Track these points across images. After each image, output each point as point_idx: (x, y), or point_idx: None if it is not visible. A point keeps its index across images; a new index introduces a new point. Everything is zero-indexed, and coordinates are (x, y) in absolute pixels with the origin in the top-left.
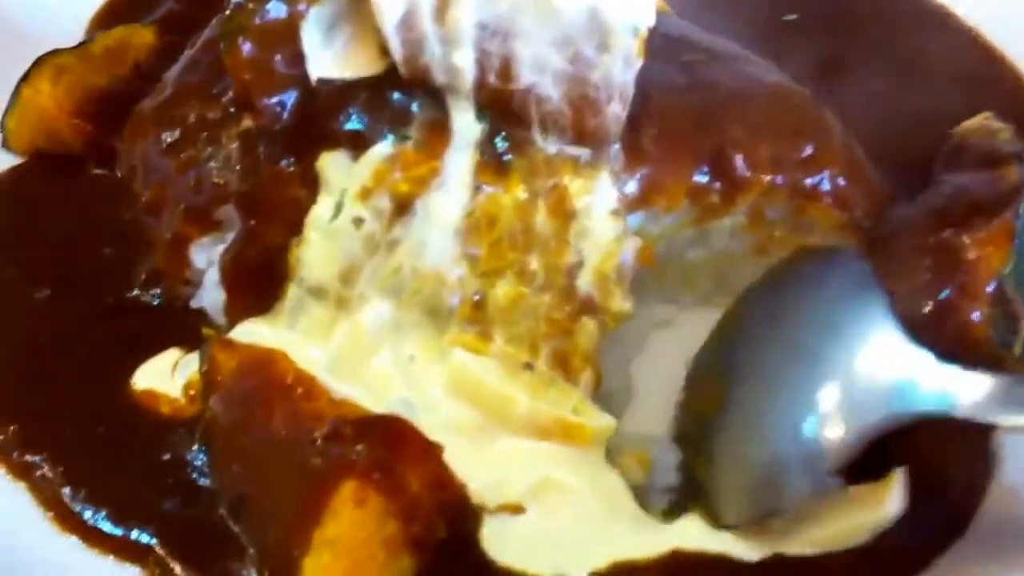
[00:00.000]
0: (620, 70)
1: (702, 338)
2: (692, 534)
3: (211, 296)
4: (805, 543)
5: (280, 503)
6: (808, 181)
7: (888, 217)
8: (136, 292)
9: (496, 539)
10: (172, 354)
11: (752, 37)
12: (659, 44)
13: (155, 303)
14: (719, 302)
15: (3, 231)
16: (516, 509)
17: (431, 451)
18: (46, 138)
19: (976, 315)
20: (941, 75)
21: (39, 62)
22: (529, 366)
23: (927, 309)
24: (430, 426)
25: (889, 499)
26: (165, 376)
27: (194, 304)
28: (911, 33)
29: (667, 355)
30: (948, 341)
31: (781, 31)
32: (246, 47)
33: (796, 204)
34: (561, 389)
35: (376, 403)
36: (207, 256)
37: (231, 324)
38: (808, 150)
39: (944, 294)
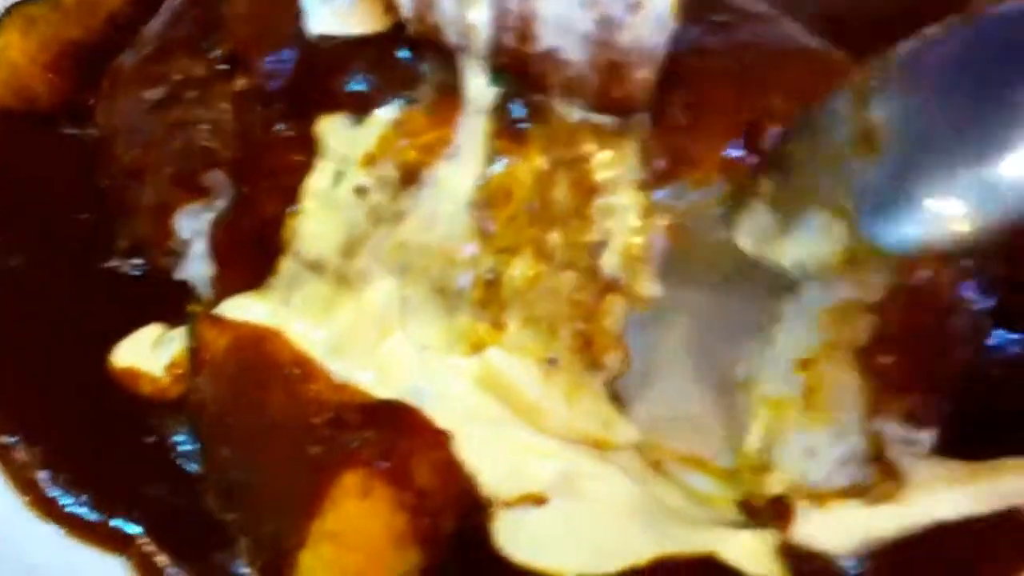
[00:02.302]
0: (651, 32)
1: (719, 323)
2: (734, 543)
3: (197, 268)
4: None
5: (276, 492)
6: None
7: None
8: (116, 262)
9: (512, 534)
10: (154, 329)
11: None
12: (687, 2)
13: (136, 274)
14: (741, 284)
15: None
16: (538, 500)
17: (441, 440)
18: (15, 95)
19: None
20: None
21: (7, 12)
22: (553, 361)
23: None
24: (441, 415)
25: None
26: (146, 353)
27: (178, 276)
28: None
29: (688, 338)
30: None
31: None
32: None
33: None
34: (594, 397)
35: (383, 388)
36: (193, 225)
37: (218, 298)
38: None
39: None
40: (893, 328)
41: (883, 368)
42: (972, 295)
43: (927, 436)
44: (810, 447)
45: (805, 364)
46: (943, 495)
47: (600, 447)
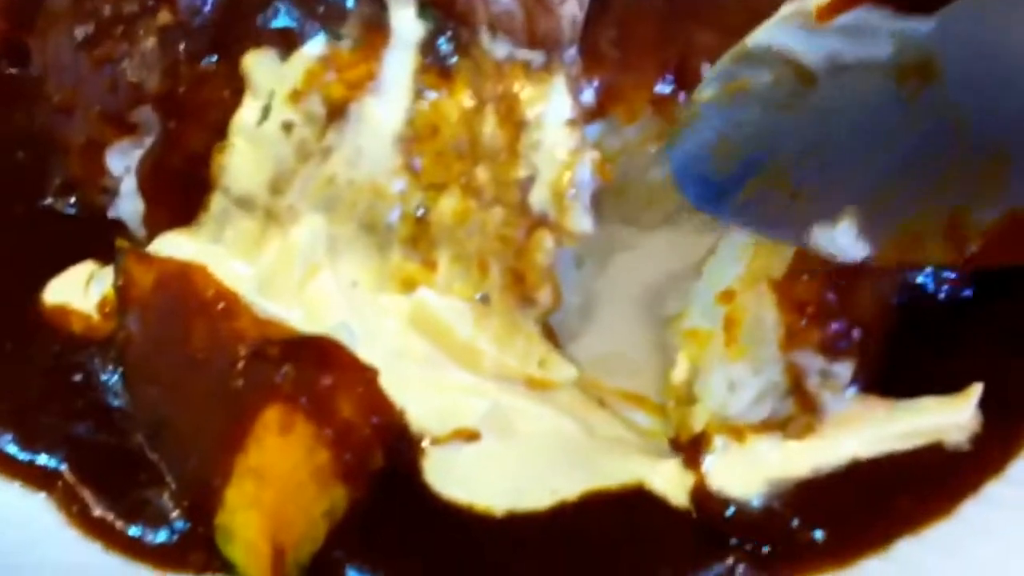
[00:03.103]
0: None
1: (665, 260)
2: (661, 471)
3: (128, 205)
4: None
5: (200, 429)
6: None
7: None
8: (49, 200)
9: (441, 471)
10: (86, 267)
11: None
12: None
13: (69, 212)
14: (683, 224)
15: None
16: (470, 436)
17: (365, 374)
18: None
19: None
20: None
21: None
22: (485, 299)
23: None
24: (370, 353)
25: (962, 409)
26: (78, 291)
27: (111, 214)
28: None
29: (628, 277)
30: None
31: None
32: None
33: None
34: (528, 337)
35: (311, 326)
36: (124, 162)
37: (151, 236)
38: None
39: None
40: (811, 260)
41: (799, 299)
42: None
43: (845, 369)
44: (731, 380)
45: (726, 296)
46: (862, 432)
47: (537, 387)
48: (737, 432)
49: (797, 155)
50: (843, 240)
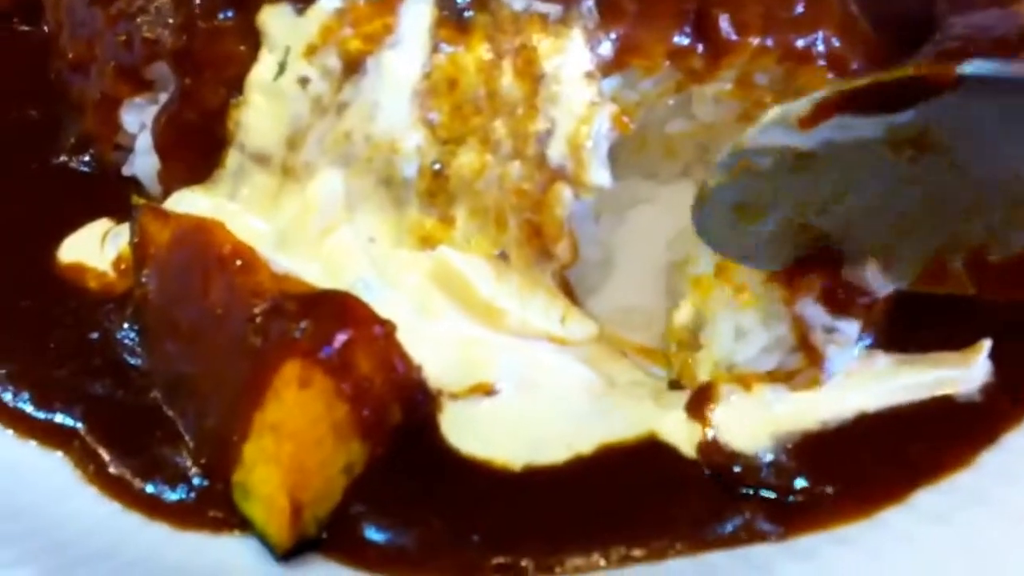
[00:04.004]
0: None
1: (683, 213)
2: (671, 420)
3: (144, 162)
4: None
5: (218, 385)
6: (800, 42)
7: None
8: (64, 158)
9: (459, 425)
10: (102, 225)
11: None
12: None
13: (84, 170)
14: (701, 176)
15: None
16: (488, 391)
17: (384, 329)
18: None
19: None
20: None
21: None
22: (504, 256)
23: None
24: (388, 308)
25: (973, 363)
26: (94, 248)
27: (126, 171)
28: None
29: (646, 230)
30: None
31: None
32: None
33: (787, 67)
34: (548, 293)
35: (329, 282)
36: (140, 119)
37: (166, 193)
38: (800, 7)
39: None
40: None
41: None
42: None
43: (851, 326)
44: (739, 327)
45: None
46: (869, 385)
47: (557, 342)
48: (744, 381)
49: (815, 206)
50: (871, 277)
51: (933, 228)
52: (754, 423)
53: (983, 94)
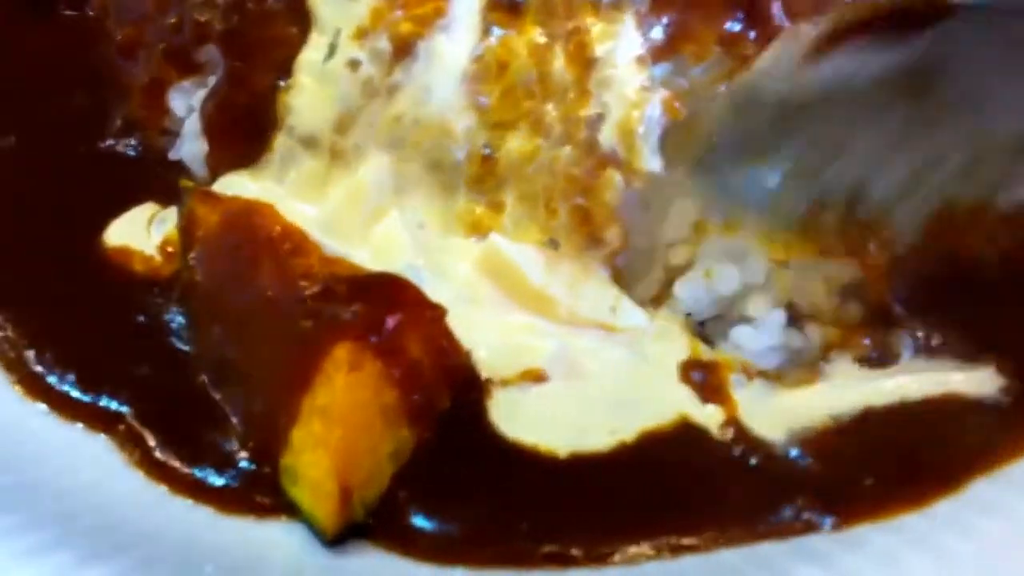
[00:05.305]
0: None
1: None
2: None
3: (191, 146)
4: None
5: (267, 369)
6: None
7: None
8: (110, 142)
9: (508, 412)
10: (148, 208)
11: None
12: None
13: (131, 154)
14: None
15: None
16: (537, 377)
17: (434, 313)
18: None
19: None
20: None
21: None
22: (554, 244)
23: None
24: (439, 295)
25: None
26: (140, 232)
27: (173, 155)
28: None
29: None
30: None
31: None
32: None
33: None
34: (599, 282)
35: (379, 268)
36: (187, 102)
37: (213, 177)
38: None
39: None
40: None
41: None
42: None
43: None
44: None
45: None
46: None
47: (607, 330)
48: (747, 371)
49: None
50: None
51: (937, 177)
52: (772, 412)
53: (979, 27)
